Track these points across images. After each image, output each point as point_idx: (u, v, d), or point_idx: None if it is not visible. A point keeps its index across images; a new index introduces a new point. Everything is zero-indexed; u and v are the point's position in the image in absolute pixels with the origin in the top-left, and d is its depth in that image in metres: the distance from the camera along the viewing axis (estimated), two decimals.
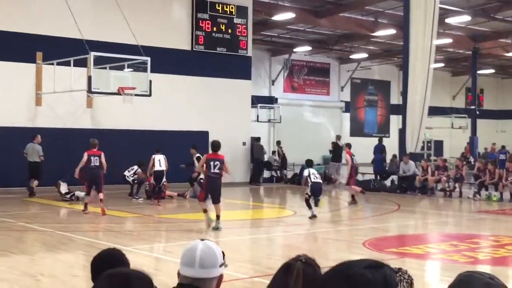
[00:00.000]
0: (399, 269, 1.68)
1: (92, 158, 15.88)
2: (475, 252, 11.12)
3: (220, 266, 2.89)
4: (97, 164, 15.90)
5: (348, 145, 19.70)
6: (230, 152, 25.83)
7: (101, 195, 15.71)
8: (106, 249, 3.31)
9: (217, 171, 12.84)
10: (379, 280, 1.56)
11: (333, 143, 27.79)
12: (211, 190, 13.06)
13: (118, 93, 18.81)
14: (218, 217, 13.08)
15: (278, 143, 29.35)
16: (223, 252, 2.93)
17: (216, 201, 13.09)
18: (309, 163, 16.55)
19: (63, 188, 18.96)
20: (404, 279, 1.59)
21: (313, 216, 15.40)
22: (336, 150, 26.62)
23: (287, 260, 2.59)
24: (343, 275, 1.59)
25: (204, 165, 13.19)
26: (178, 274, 2.87)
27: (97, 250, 3.30)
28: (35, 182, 19.69)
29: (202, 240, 2.93)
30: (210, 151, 13.43)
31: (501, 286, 1.82)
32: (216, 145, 13.08)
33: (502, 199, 20.67)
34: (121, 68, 19.87)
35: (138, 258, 10.07)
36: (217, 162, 12.84)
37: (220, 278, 2.90)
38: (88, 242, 11.66)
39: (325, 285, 1.62)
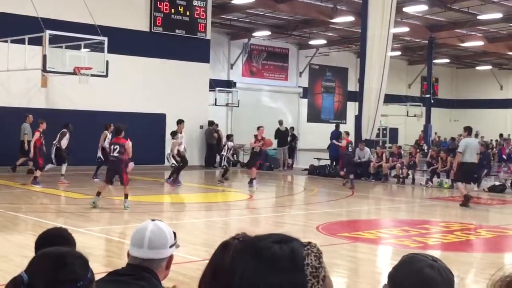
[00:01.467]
0: (308, 243, 1.71)
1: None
2: (425, 238, 11.37)
3: (171, 247, 2.89)
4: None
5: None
6: (187, 136, 25.77)
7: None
8: (52, 228, 3.28)
9: (116, 154, 13.54)
10: (286, 254, 1.58)
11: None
12: (113, 172, 13.84)
13: (74, 73, 18.54)
14: (126, 196, 13.49)
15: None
16: (174, 233, 2.93)
17: (121, 182, 13.63)
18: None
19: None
20: (312, 253, 1.62)
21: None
22: (279, 135, 26.78)
23: (226, 239, 2.62)
24: (252, 248, 1.62)
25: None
26: (128, 254, 2.87)
27: None
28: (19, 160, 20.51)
29: (153, 220, 2.93)
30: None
31: (443, 268, 1.87)
32: (117, 130, 14.02)
33: (453, 186, 21.10)
34: (77, 47, 19.55)
35: (90, 240, 10.01)
36: (117, 146, 13.59)
37: (170, 259, 2.90)
38: (40, 223, 11.51)
39: (235, 258, 1.67)
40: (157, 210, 14.92)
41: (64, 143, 18.48)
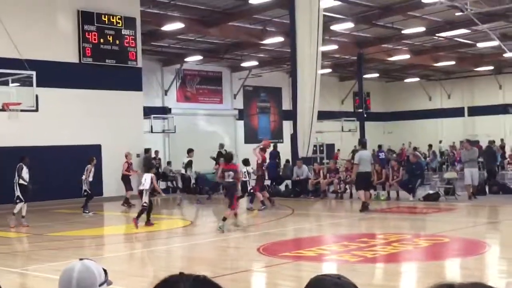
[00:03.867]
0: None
1: None
2: (364, 251, 11.55)
3: (101, 285, 2.87)
4: None
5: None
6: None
7: None
8: None
9: (231, 179, 14.60)
10: None
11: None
12: (228, 195, 15.06)
13: (2, 109, 18.17)
14: (224, 218, 14.57)
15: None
16: (105, 270, 2.91)
17: (229, 205, 14.84)
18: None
19: None
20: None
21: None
22: (220, 158, 26.79)
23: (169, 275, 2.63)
24: None
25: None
26: None
27: None
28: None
29: (81, 259, 2.90)
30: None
31: (348, 284, 1.93)
32: (228, 157, 15.29)
33: (389, 197, 21.58)
34: (5, 83, 19.15)
35: (27, 280, 9.78)
36: (230, 172, 14.65)
37: None
38: None
39: None
40: (98, 243, 14.69)
41: (26, 177, 16.94)
